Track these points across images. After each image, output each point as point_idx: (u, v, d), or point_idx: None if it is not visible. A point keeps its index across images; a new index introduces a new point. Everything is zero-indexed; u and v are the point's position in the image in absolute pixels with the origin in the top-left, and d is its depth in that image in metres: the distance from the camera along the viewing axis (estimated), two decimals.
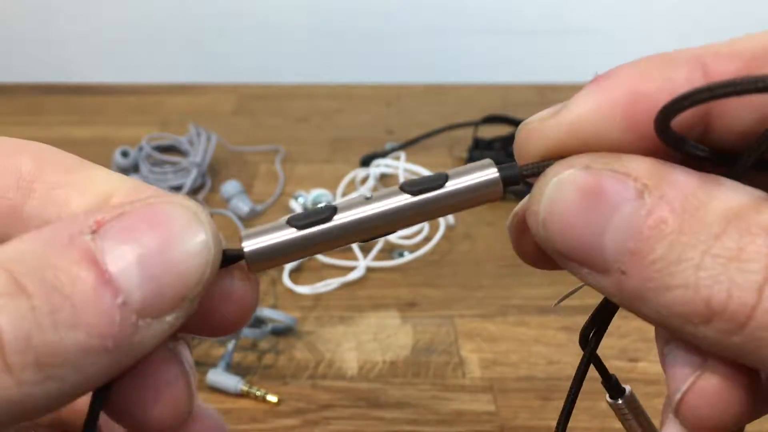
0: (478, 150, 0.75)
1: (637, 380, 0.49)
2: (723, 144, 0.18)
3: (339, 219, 0.18)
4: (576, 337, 0.22)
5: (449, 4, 0.96)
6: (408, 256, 0.61)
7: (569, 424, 0.22)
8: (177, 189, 0.69)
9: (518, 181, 0.19)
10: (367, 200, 0.19)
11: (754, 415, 0.18)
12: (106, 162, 0.72)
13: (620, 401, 0.22)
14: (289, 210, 0.68)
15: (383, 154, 0.75)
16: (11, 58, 0.99)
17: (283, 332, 0.53)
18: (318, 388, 0.49)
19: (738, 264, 0.15)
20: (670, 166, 0.17)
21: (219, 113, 0.89)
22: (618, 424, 0.23)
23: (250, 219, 0.67)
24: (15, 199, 0.19)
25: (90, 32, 0.98)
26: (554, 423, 0.22)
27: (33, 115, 0.89)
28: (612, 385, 0.22)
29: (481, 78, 0.97)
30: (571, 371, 0.21)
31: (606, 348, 0.22)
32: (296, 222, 0.18)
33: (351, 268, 0.60)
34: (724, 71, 0.17)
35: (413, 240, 0.62)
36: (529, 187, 0.19)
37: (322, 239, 0.18)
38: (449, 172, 0.19)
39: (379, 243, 0.61)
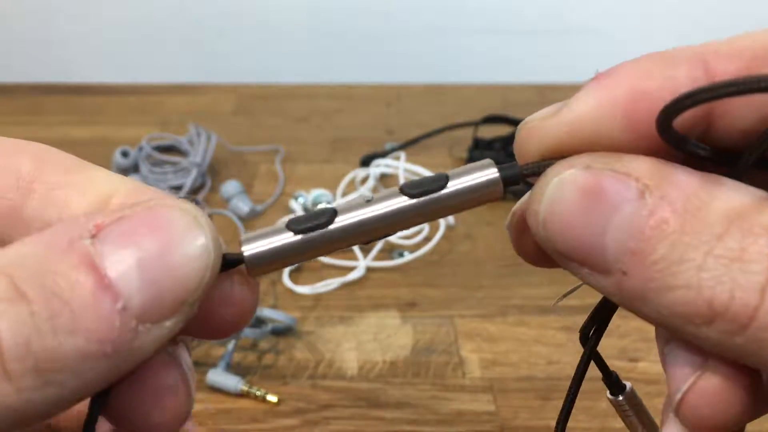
0: (478, 150, 0.75)
1: (637, 380, 0.49)
2: (725, 142, 0.18)
3: (339, 222, 0.18)
4: (576, 337, 0.22)
5: (449, 4, 0.96)
6: (408, 256, 0.61)
7: (570, 424, 0.22)
8: (177, 189, 0.69)
9: (518, 181, 0.19)
10: (368, 203, 0.19)
11: (754, 414, 0.18)
12: (106, 162, 0.72)
13: (621, 398, 0.22)
14: (289, 210, 0.68)
15: (383, 154, 0.75)
16: (11, 58, 0.99)
17: (283, 332, 0.53)
18: (318, 388, 0.49)
19: (740, 264, 0.15)
20: (672, 166, 0.17)
21: (219, 113, 0.89)
22: (618, 424, 0.23)
23: (250, 219, 0.67)
24: (15, 200, 0.19)
25: (90, 32, 0.98)
26: (554, 423, 0.22)
27: (33, 115, 0.89)
28: (613, 382, 0.22)
29: (481, 78, 0.97)
30: (571, 371, 0.21)
31: (606, 348, 0.22)
32: (296, 226, 0.18)
33: (351, 268, 0.59)
34: (726, 69, 0.17)
35: (413, 240, 0.62)
36: (529, 186, 0.19)
37: (322, 243, 0.18)
38: (449, 172, 0.19)
39: (379, 243, 0.61)
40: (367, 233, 0.19)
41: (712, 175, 0.16)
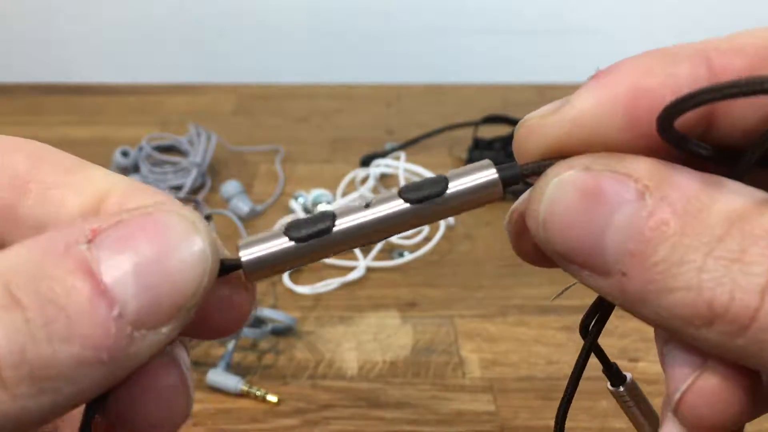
0: (478, 150, 0.75)
1: (637, 380, 0.48)
2: (726, 142, 0.18)
3: (338, 227, 0.18)
4: (576, 337, 0.22)
5: (449, 4, 0.96)
6: (408, 256, 0.61)
7: (570, 424, 0.22)
8: (177, 189, 0.69)
9: (518, 181, 0.19)
10: (366, 207, 0.18)
11: (753, 414, 0.18)
12: (106, 162, 0.72)
13: (621, 389, 0.22)
14: (290, 210, 0.68)
15: (383, 154, 0.75)
16: (11, 58, 0.98)
17: (283, 332, 0.53)
18: (318, 388, 0.49)
19: (741, 266, 0.15)
20: (672, 167, 0.17)
21: (219, 113, 0.89)
22: (618, 424, 0.23)
23: (250, 219, 0.67)
24: (9, 198, 0.18)
25: (90, 32, 0.98)
26: (554, 423, 0.22)
27: (33, 115, 0.89)
28: (613, 373, 0.22)
29: (481, 78, 0.97)
30: (571, 371, 0.21)
31: (606, 348, 0.22)
32: (295, 234, 0.18)
33: (351, 268, 0.59)
34: (729, 67, 0.17)
35: (413, 240, 0.62)
36: (528, 186, 0.19)
37: (321, 249, 0.18)
38: (448, 174, 0.19)
39: (379, 243, 0.61)
40: (366, 238, 0.18)
41: (712, 176, 0.16)
